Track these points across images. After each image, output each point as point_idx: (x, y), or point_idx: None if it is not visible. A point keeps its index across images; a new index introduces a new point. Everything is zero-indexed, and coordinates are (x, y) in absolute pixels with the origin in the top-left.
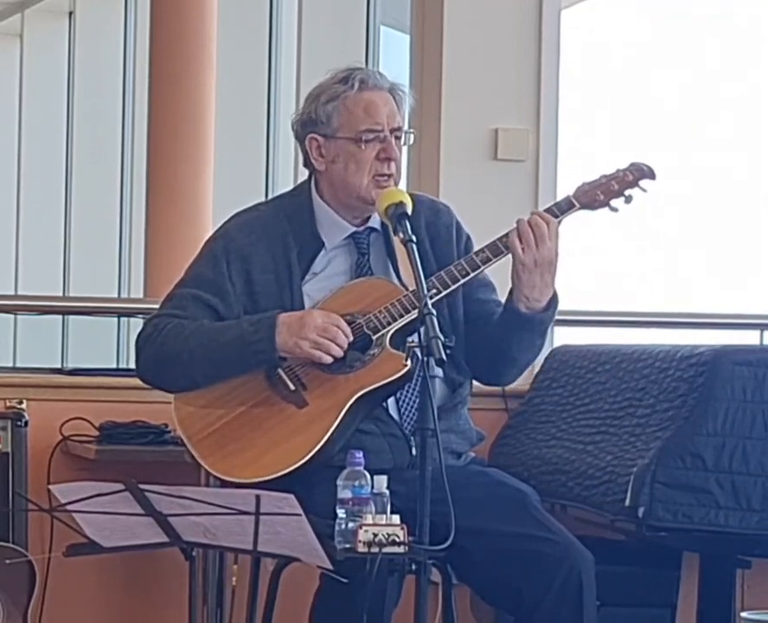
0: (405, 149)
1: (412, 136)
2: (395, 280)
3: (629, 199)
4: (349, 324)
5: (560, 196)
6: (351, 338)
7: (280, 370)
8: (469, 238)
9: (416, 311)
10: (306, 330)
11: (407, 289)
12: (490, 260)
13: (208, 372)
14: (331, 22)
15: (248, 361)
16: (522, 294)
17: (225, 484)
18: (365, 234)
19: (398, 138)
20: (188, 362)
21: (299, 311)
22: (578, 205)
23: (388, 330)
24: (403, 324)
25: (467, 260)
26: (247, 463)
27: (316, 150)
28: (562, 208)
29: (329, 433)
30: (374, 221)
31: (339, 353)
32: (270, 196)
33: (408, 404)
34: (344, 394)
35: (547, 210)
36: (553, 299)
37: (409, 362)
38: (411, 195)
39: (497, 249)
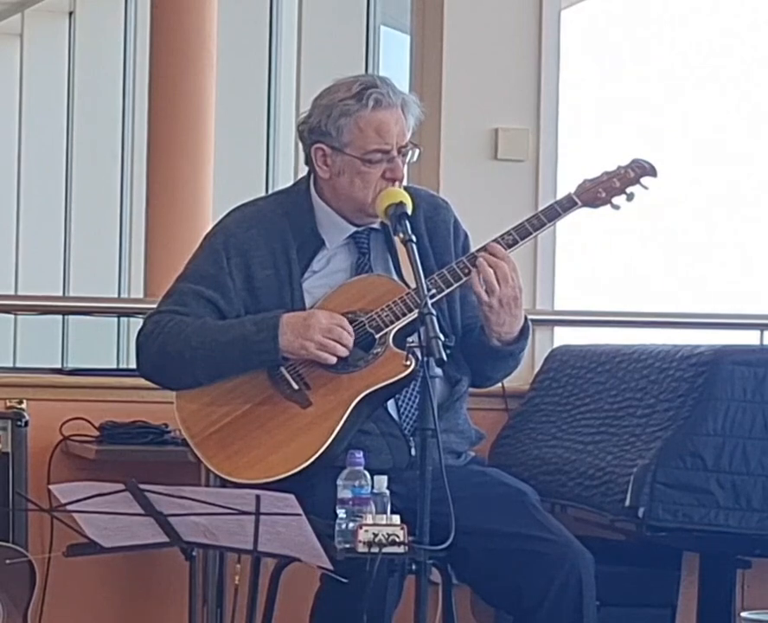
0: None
1: (417, 152)
2: (396, 279)
3: (630, 197)
4: (351, 322)
5: (559, 196)
6: (354, 337)
7: (283, 369)
8: (467, 236)
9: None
10: (312, 332)
11: (409, 287)
12: None
13: (210, 371)
14: (331, 22)
15: (251, 361)
16: (493, 331)
17: (226, 483)
18: (365, 234)
19: (404, 155)
20: (190, 360)
21: (302, 312)
22: (579, 203)
23: (391, 330)
24: (405, 322)
25: (469, 258)
26: (253, 463)
27: (321, 159)
28: (564, 206)
29: (334, 433)
30: (374, 222)
31: (345, 353)
32: None
33: (408, 404)
34: (349, 394)
35: (549, 208)
36: (525, 328)
37: (412, 362)
38: (410, 188)
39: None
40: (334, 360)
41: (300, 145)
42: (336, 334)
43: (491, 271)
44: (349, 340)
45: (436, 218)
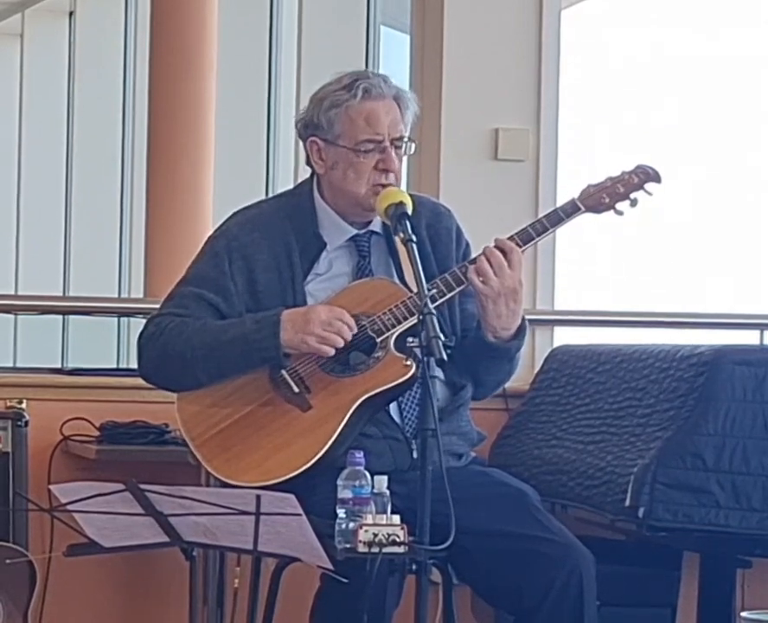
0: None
1: (413, 146)
2: (399, 283)
3: (634, 202)
4: None
5: (559, 196)
6: (355, 330)
7: (283, 372)
8: (468, 245)
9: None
10: (312, 326)
11: (411, 291)
12: None
13: (212, 371)
14: (331, 22)
15: (252, 359)
16: (489, 324)
17: (226, 485)
18: (366, 237)
19: (398, 147)
20: (191, 360)
21: (302, 307)
22: (583, 208)
23: (392, 333)
24: (407, 327)
25: (471, 262)
26: (252, 466)
27: (316, 154)
28: (567, 212)
29: (333, 437)
30: (375, 225)
31: (341, 344)
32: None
33: (410, 407)
34: (348, 398)
35: (553, 213)
36: (522, 327)
37: (413, 367)
38: (413, 196)
39: None
40: (332, 352)
41: (300, 146)
42: (336, 327)
43: (484, 258)
44: (349, 334)
45: (438, 225)
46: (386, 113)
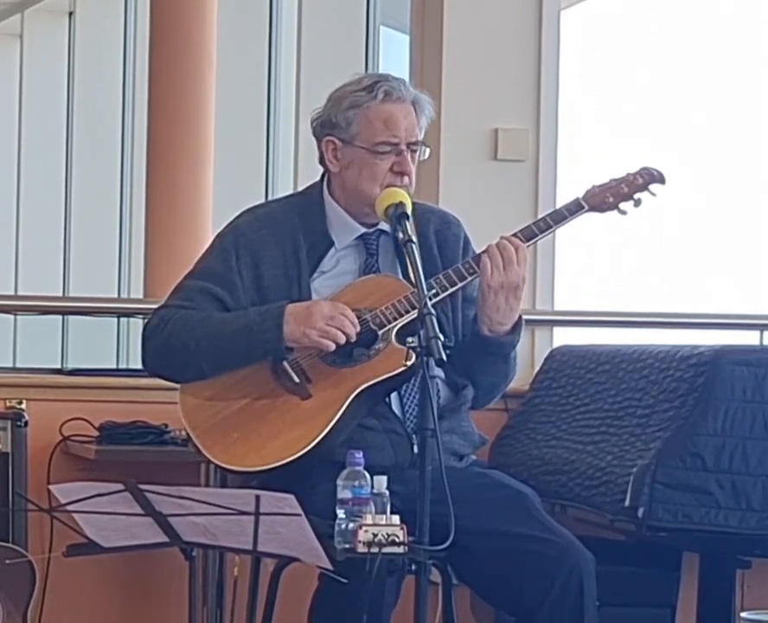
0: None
1: (427, 151)
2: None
3: (638, 202)
4: None
5: (559, 196)
6: (358, 328)
7: (285, 363)
8: (475, 254)
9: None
10: (314, 320)
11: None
12: None
13: (215, 362)
14: (331, 22)
15: (255, 351)
16: (486, 315)
17: (225, 484)
18: (374, 236)
19: (413, 151)
20: (194, 351)
21: (306, 302)
22: (586, 207)
23: (394, 326)
24: (408, 320)
25: (475, 259)
26: (250, 452)
27: (331, 153)
28: (571, 210)
29: (331, 425)
30: (384, 224)
31: (344, 340)
32: (269, 197)
33: (411, 402)
34: (347, 387)
35: (556, 212)
36: (518, 325)
37: (412, 356)
38: (423, 205)
39: None
40: (333, 347)
41: (300, 146)
42: (338, 321)
43: (497, 249)
44: (352, 329)
45: (446, 231)
46: (404, 117)
